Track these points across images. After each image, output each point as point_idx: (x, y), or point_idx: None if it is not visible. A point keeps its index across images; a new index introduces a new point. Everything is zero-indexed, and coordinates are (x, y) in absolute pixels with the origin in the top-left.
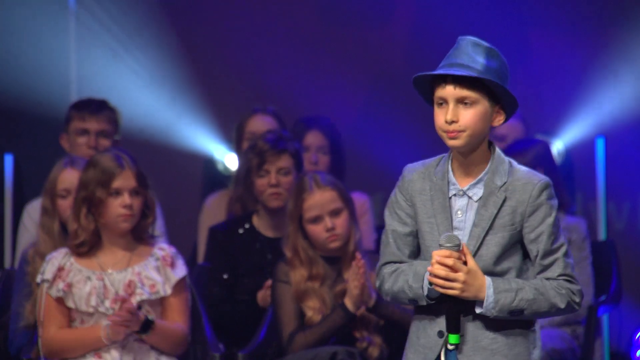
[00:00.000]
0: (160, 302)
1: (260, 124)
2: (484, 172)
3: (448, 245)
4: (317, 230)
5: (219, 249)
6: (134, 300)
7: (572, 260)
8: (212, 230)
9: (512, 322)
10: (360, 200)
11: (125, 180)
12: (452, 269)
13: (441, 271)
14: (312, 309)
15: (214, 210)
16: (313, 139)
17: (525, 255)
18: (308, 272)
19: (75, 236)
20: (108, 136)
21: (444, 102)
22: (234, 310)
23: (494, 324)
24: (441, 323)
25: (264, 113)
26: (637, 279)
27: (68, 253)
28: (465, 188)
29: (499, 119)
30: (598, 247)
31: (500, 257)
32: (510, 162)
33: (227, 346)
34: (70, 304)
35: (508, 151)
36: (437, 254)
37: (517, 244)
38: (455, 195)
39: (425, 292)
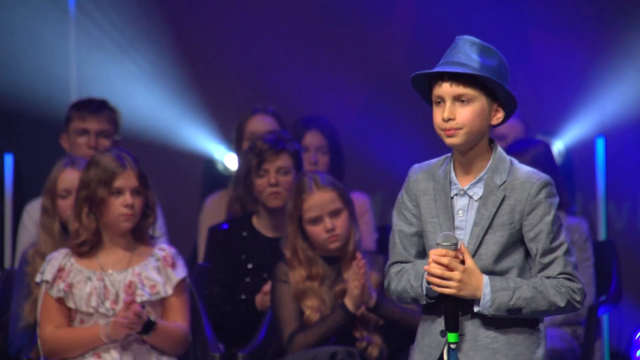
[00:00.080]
0: (160, 303)
1: (260, 124)
2: (484, 171)
3: (445, 244)
4: (316, 231)
5: (219, 249)
6: (135, 300)
7: (573, 259)
8: (211, 231)
9: (513, 321)
10: (360, 200)
11: (126, 179)
12: (448, 267)
13: (437, 270)
14: (311, 309)
15: (214, 210)
16: (312, 139)
17: (527, 254)
18: (307, 272)
19: (76, 235)
20: (108, 136)
21: (441, 100)
22: (234, 310)
23: (494, 323)
24: (443, 322)
25: (264, 113)
26: (637, 279)
27: (68, 253)
28: (465, 187)
29: (498, 117)
30: (598, 247)
31: (500, 256)
32: (511, 161)
33: (227, 346)
34: (71, 304)
35: (508, 151)
36: (433, 253)
37: (517, 242)
38: (456, 195)
39: (425, 291)
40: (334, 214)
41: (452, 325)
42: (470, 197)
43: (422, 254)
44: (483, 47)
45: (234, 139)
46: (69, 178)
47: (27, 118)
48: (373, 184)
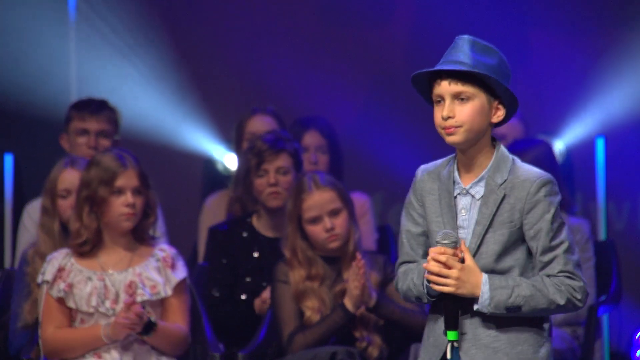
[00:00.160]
0: (160, 303)
1: (260, 124)
2: (485, 170)
3: (444, 242)
4: (316, 231)
5: (219, 249)
6: (135, 301)
7: (575, 257)
8: (211, 231)
9: (515, 320)
10: (360, 200)
11: (127, 179)
12: (446, 265)
13: (435, 267)
14: (311, 309)
15: (214, 210)
16: (311, 139)
17: (530, 253)
18: (307, 272)
19: (77, 235)
20: (108, 136)
21: (441, 99)
22: (234, 310)
23: (496, 322)
24: None
25: (264, 113)
26: (637, 279)
27: (69, 253)
28: (468, 187)
29: (499, 115)
30: (598, 247)
31: (501, 255)
32: (514, 160)
33: (227, 346)
34: (71, 304)
35: (509, 151)
36: (432, 251)
37: (519, 241)
38: (459, 194)
39: (426, 290)
40: (334, 213)
41: (452, 324)
42: (473, 196)
43: None
44: (483, 46)
45: (234, 139)
46: (69, 178)
47: (27, 118)
48: (373, 184)
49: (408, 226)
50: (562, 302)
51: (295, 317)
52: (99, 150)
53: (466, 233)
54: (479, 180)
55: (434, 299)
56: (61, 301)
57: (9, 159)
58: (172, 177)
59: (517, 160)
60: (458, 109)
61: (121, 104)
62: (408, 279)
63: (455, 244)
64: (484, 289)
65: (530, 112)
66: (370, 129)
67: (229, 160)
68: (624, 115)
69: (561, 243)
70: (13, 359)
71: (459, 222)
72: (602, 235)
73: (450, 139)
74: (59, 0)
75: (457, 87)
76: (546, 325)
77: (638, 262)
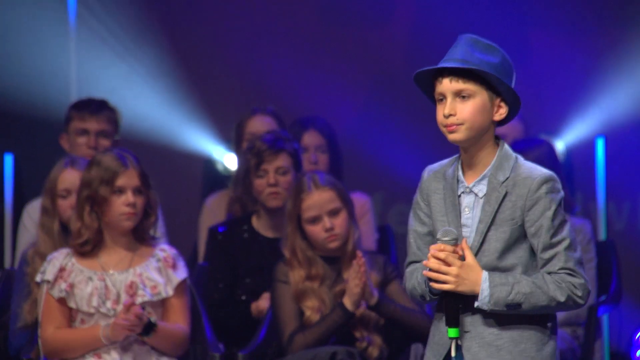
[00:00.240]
0: (161, 304)
1: (259, 124)
2: (488, 168)
3: (444, 239)
4: (316, 231)
5: (219, 249)
6: (136, 302)
7: (576, 255)
8: (211, 231)
9: (519, 318)
10: (361, 200)
11: (128, 178)
12: (445, 262)
13: (434, 264)
14: (311, 309)
15: (214, 210)
16: (310, 139)
17: (533, 251)
18: (307, 272)
19: (78, 235)
20: (108, 136)
21: (443, 97)
22: (233, 310)
23: (499, 320)
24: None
25: (264, 113)
26: (637, 279)
27: (69, 253)
28: (471, 185)
29: (501, 113)
30: (598, 247)
31: (504, 253)
32: (516, 158)
33: (227, 346)
34: (72, 304)
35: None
36: (432, 248)
37: (521, 239)
38: (463, 192)
39: (428, 287)
40: (333, 213)
41: (452, 321)
42: (476, 194)
43: None
44: (485, 44)
45: (234, 139)
46: (69, 178)
47: (27, 118)
48: (373, 184)
49: (415, 226)
50: (562, 299)
51: (295, 317)
52: (99, 150)
53: (470, 231)
54: (482, 179)
55: (436, 297)
56: (62, 301)
57: (9, 159)
58: (172, 177)
59: (520, 159)
60: (459, 107)
61: (121, 104)
62: (413, 278)
63: (456, 241)
64: (484, 286)
65: (531, 112)
66: (370, 129)
67: (228, 160)
68: (624, 115)
69: (562, 240)
70: (13, 359)
71: (463, 221)
72: (602, 235)
73: (452, 137)
74: (59, 1)
75: (459, 85)
76: (550, 324)
77: (638, 262)
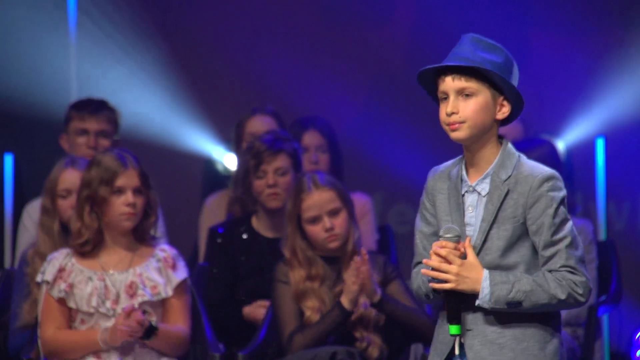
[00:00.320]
0: (161, 304)
1: (259, 124)
2: (491, 167)
3: (447, 235)
4: (315, 231)
5: (219, 250)
6: (136, 301)
7: (578, 252)
8: (211, 231)
9: (521, 316)
10: (361, 200)
11: (128, 178)
12: (446, 260)
13: (435, 262)
14: (311, 309)
15: (214, 210)
16: (311, 139)
17: (536, 250)
18: (307, 272)
19: (78, 235)
20: (107, 136)
21: (446, 96)
22: (233, 310)
23: (502, 318)
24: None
25: (263, 113)
26: (637, 279)
27: (69, 253)
28: (474, 184)
29: (504, 112)
30: (598, 247)
31: (506, 251)
32: (519, 157)
33: (227, 346)
34: (72, 304)
35: None
36: (434, 245)
37: (524, 237)
38: (467, 191)
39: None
40: (333, 213)
41: (454, 318)
42: (479, 193)
43: None
44: (488, 43)
45: (234, 139)
46: (69, 178)
47: (27, 118)
48: (373, 184)
49: (421, 227)
50: (563, 296)
51: (295, 317)
52: (99, 150)
53: (473, 230)
54: (485, 177)
55: (440, 295)
56: (61, 301)
57: (9, 159)
58: (172, 177)
59: (523, 157)
60: (462, 105)
61: (121, 104)
62: (419, 277)
63: (458, 238)
64: (484, 285)
65: (531, 112)
66: (370, 129)
67: (228, 160)
68: (624, 115)
69: (564, 238)
70: (13, 359)
71: (466, 219)
72: (602, 235)
73: (454, 135)
74: (59, 1)
75: (461, 83)
76: (553, 322)
77: (638, 262)
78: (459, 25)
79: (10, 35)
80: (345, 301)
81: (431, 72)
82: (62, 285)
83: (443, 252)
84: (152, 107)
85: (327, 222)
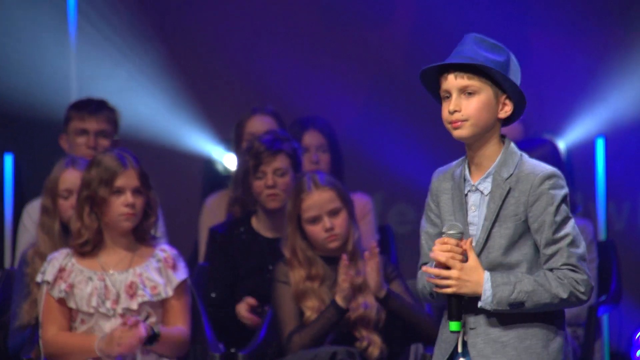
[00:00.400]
0: (161, 304)
1: (259, 124)
2: (493, 166)
3: (450, 232)
4: (316, 231)
5: (219, 250)
6: (136, 302)
7: (579, 251)
8: (211, 232)
9: (524, 314)
10: (362, 201)
11: (127, 179)
12: (445, 266)
13: (435, 270)
14: (311, 309)
15: (214, 210)
16: (311, 139)
17: (538, 248)
18: (307, 273)
19: (78, 235)
20: (107, 136)
21: (448, 94)
22: (234, 310)
23: (505, 317)
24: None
25: (263, 113)
26: (637, 279)
27: (69, 254)
28: (476, 183)
29: (506, 110)
30: (598, 247)
31: (509, 249)
32: (521, 155)
33: (227, 346)
34: (72, 304)
35: None
36: (437, 242)
37: (526, 235)
38: (470, 191)
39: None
40: (333, 213)
41: (454, 315)
42: (482, 192)
43: None
44: (491, 43)
45: (234, 139)
46: (70, 178)
47: (27, 118)
48: (373, 184)
49: (426, 228)
50: (564, 295)
51: (295, 317)
52: (98, 151)
53: (476, 229)
54: (487, 176)
55: (442, 294)
56: (62, 302)
57: (9, 159)
58: (172, 177)
59: (525, 156)
60: (464, 103)
61: (121, 104)
62: (423, 278)
63: (461, 235)
64: (486, 287)
65: (531, 112)
66: (370, 129)
67: (228, 160)
68: (624, 115)
69: (565, 236)
70: (13, 359)
71: (469, 219)
72: (602, 235)
73: (456, 133)
74: (59, 1)
75: (463, 81)
76: (557, 320)
77: (638, 262)
78: (459, 25)
79: (10, 35)
80: (339, 299)
81: (434, 71)
82: (63, 286)
83: (442, 258)
84: (152, 107)
85: (327, 222)
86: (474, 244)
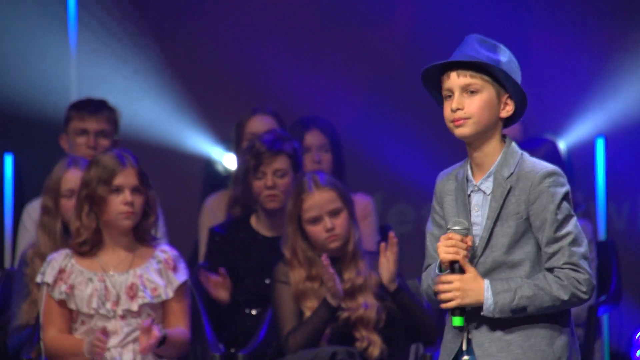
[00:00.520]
0: (161, 306)
1: (259, 124)
2: (494, 165)
3: (455, 228)
4: (316, 231)
5: (218, 250)
6: (136, 303)
7: (581, 250)
8: (211, 232)
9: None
10: (363, 201)
11: (126, 177)
12: (444, 282)
13: (443, 249)
14: (311, 309)
15: (214, 210)
16: (313, 138)
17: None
18: (307, 273)
19: (77, 235)
20: (107, 136)
21: (451, 93)
22: (234, 310)
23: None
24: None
25: (264, 113)
26: (637, 279)
27: (69, 254)
28: (478, 183)
29: (508, 110)
30: (598, 247)
31: (511, 248)
32: (522, 154)
33: (227, 346)
34: (72, 305)
35: None
36: (442, 238)
37: (528, 233)
38: (472, 191)
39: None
40: (334, 213)
41: (457, 309)
42: (484, 192)
43: None
44: (492, 44)
45: (234, 139)
46: (72, 178)
47: (27, 118)
48: (373, 184)
49: (432, 229)
50: (566, 297)
51: (295, 318)
52: (98, 150)
53: (479, 229)
54: (488, 176)
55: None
56: (62, 303)
57: (9, 159)
58: (172, 177)
59: (526, 155)
60: (467, 102)
61: (121, 104)
62: (429, 278)
63: (467, 231)
64: (487, 295)
65: (531, 112)
66: (371, 129)
67: (228, 160)
68: (624, 115)
69: (567, 234)
70: (13, 359)
71: (473, 219)
72: (602, 235)
73: (458, 131)
74: (59, 1)
75: (466, 80)
76: (562, 319)
77: (638, 262)
78: (459, 25)
79: (10, 35)
80: (328, 297)
81: (435, 70)
82: (63, 287)
83: (449, 256)
84: (152, 107)
85: (327, 222)
86: (477, 243)
